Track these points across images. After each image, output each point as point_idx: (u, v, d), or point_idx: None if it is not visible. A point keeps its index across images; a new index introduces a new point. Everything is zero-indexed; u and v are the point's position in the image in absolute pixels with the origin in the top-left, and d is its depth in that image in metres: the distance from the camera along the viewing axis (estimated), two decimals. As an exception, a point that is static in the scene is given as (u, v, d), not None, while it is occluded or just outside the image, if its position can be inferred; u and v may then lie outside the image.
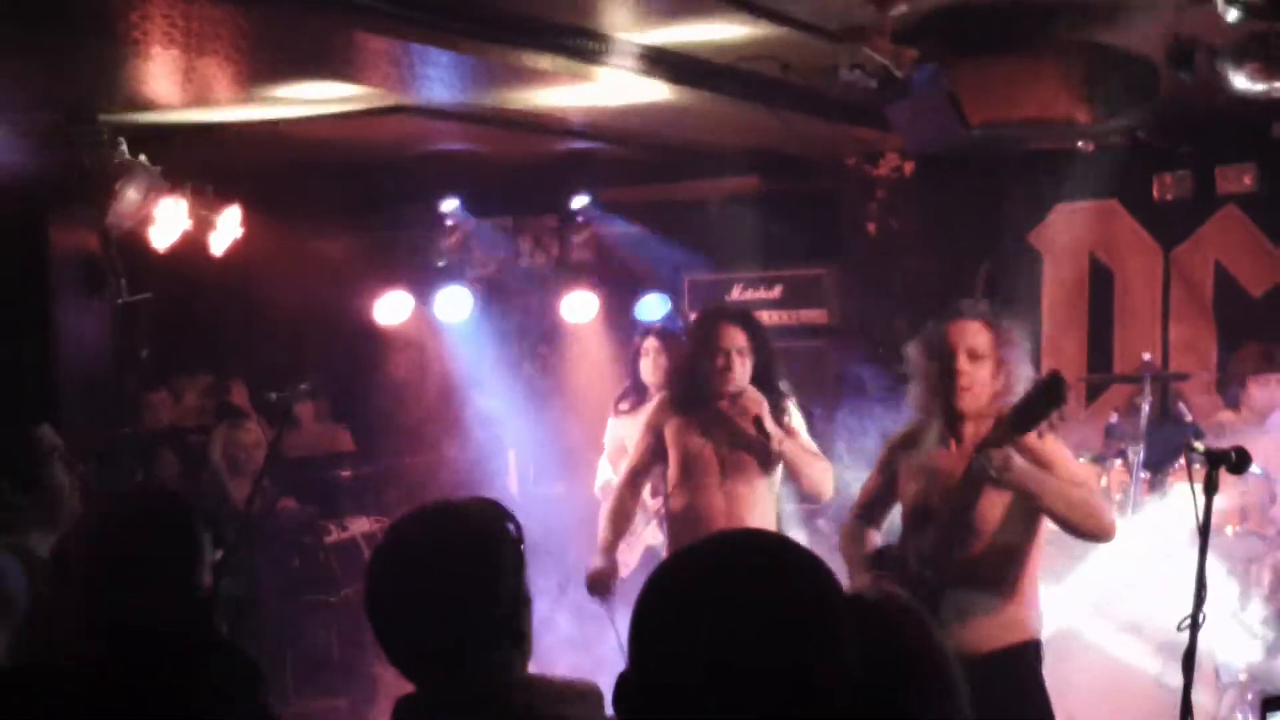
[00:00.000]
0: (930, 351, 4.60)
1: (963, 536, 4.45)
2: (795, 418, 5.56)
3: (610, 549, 5.60)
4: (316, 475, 8.54)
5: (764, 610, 1.63)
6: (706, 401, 5.45)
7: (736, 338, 5.38)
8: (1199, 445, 4.37)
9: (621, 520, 5.68)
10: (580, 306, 9.42)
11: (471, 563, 2.43)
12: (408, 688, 2.43)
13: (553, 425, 9.08)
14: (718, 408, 5.43)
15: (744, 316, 5.61)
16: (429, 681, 2.44)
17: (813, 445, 5.54)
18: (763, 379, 5.40)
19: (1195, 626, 4.07)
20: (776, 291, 8.94)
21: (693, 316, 7.48)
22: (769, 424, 5.26)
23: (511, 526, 2.52)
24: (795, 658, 1.62)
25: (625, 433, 6.54)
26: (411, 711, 2.45)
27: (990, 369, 4.53)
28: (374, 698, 7.36)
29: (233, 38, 4.92)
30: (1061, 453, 4.50)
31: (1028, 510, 4.42)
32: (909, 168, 8.73)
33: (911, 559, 4.51)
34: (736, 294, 8.93)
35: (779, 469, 5.48)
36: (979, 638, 4.41)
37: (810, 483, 5.42)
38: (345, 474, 8.83)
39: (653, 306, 9.01)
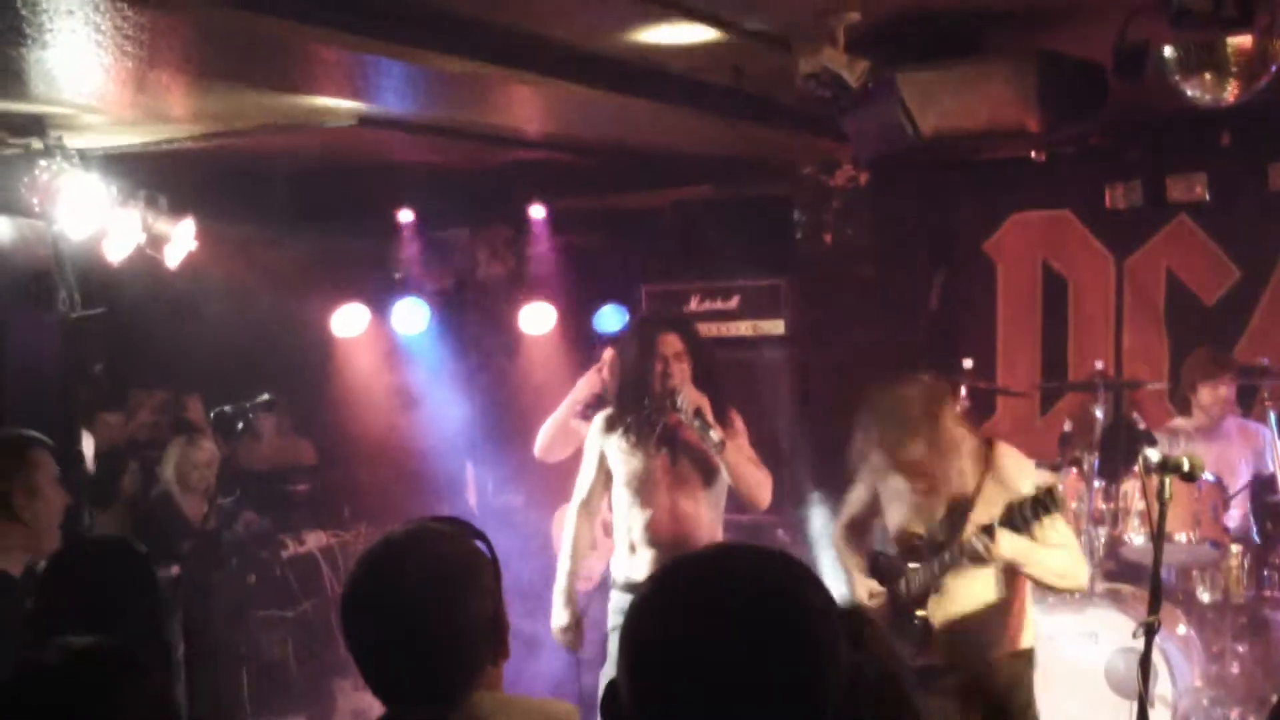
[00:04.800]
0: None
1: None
2: (738, 426, 5.51)
3: (572, 592, 5.50)
4: (274, 489, 8.47)
5: (763, 624, 1.61)
6: (649, 417, 5.39)
7: (673, 343, 5.36)
8: (1152, 453, 4.40)
9: (579, 555, 5.62)
10: (538, 318, 9.42)
11: (449, 589, 2.42)
12: (364, 703, 2.42)
13: (511, 437, 9.05)
14: (660, 423, 5.37)
15: (679, 323, 5.63)
16: (407, 705, 2.43)
17: (752, 453, 5.47)
18: (703, 384, 5.33)
19: (1151, 632, 4.10)
20: (734, 302, 8.93)
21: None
22: (710, 419, 5.20)
23: (483, 546, 2.50)
24: (794, 671, 1.61)
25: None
26: None
27: None
28: (331, 713, 7.31)
29: (183, 48, 4.88)
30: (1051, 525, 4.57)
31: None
32: (864, 177, 8.75)
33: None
34: (694, 304, 8.92)
35: (722, 482, 5.44)
36: (983, 642, 4.61)
37: (749, 489, 5.39)
38: (302, 488, 8.76)
39: (610, 318, 9.00)
